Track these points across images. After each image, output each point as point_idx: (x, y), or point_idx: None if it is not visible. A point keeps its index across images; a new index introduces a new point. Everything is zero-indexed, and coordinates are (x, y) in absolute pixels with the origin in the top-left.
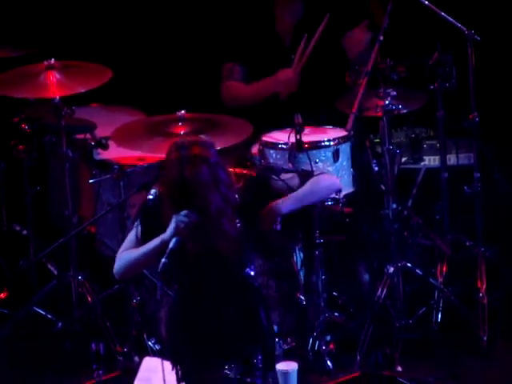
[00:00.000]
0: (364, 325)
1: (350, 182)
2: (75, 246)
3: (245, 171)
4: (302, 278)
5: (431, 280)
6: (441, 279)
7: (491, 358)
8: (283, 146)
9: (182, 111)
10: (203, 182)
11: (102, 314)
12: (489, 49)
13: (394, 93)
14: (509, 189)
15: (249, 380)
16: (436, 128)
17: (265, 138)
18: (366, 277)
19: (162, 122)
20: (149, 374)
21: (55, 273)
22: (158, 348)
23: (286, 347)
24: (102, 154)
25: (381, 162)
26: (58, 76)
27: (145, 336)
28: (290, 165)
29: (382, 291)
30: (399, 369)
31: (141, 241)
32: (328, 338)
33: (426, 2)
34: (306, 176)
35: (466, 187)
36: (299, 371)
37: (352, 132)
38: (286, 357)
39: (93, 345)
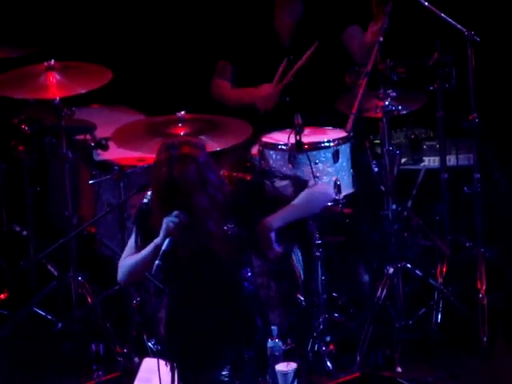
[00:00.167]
0: (364, 325)
1: (349, 182)
2: (75, 246)
3: (240, 175)
4: (301, 278)
5: (431, 281)
6: (441, 280)
7: (491, 358)
8: (283, 146)
9: (182, 112)
10: (190, 181)
11: (101, 314)
12: (488, 49)
13: (394, 94)
14: (509, 189)
15: None
16: (436, 129)
17: (264, 139)
18: (366, 277)
19: (162, 123)
20: (149, 375)
21: (55, 273)
22: (157, 349)
23: (286, 348)
24: (102, 155)
25: (381, 162)
26: (57, 77)
27: (145, 337)
28: (290, 165)
29: (381, 292)
30: (399, 369)
31: (139, 246)
32: (328, 338)
33: (426, 3)
34: (300, 186)
35: (465, 188)
36: (299, 372)
37: (352, 133)
38: (286, 357)
39: (93, 345)
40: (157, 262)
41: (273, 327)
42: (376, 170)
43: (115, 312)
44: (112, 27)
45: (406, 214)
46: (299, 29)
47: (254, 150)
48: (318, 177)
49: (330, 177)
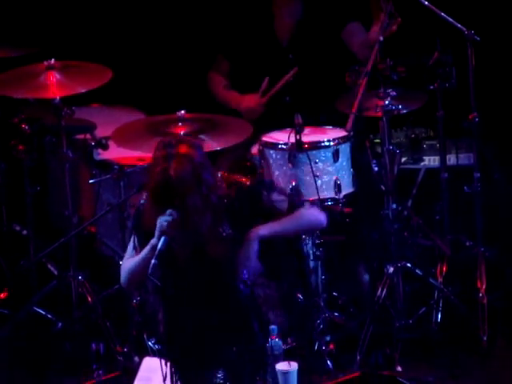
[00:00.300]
0: (364, 325)
1: (349, 182)
2: (75, 245)
3: (239, 179)
4: (301, 278)
5: (431, 280)
6: (441, 279)
7: (491, 357)
8: (283, 146)
9: (182, 111)
10: (185, 180)
11: (102, 314)
12: (488, 49)
13: (394, 93)
14: (509, 189)
15: None
16: (436, 128)
17: (265, 138)
18: (366, 277)
19: (162, 122)
20: (149, 374)
21: (55, 273)
22: (157, 348)
23: (286, 347)
24: (102, 154)
25: (381, 162)
26: (58, 76)
27: (145, 336)
28: (290, 165)
29: (381, 291)
30: (399, 369)
31: (138, 248)
32: (328, 338)
33: (426, 3)
34: (295, 205)
35: (465, 187)
36: (299, 371)
37: (352, 132)
38: (286, 357)
39: (93, 345)
40: (153, 261)
41: (273, 326)
42: (376, 169)
43: (115, 311)
44: (112, 27)
45: (406, 213)
46: (299, 29)
47: (254, 149)
48: (318, 176)
49: (330, 176)
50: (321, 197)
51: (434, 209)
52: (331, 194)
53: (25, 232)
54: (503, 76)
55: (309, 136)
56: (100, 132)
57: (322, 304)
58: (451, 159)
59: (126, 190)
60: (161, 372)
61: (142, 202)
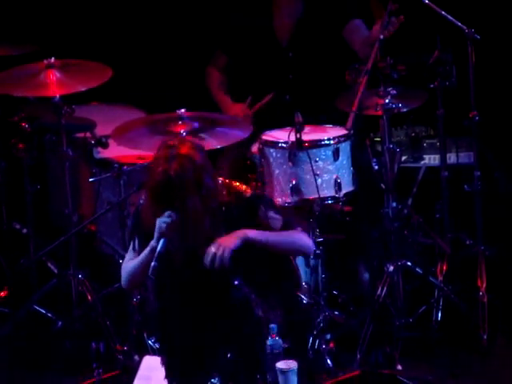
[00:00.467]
0: (364, 323)
1: (350, 180)
2: (75, 244)
3: (239, 188)
4: (302, 276)
5: (431, 278)
6: (441, 278)
7: (491, 356)
8: (283, 144)
9: (182, 110)
10: (186, 182)
11: (102, 312)
12: (489, 47)
13: (394, 91)
14: (509, 187)
15: None
16: (436, 127)
17: (265, 137)
18: (366, 275)
19: (162, 121)
20: (149, 373)
21: (55, 271)
22: (157, 347)
23: (286, 346)
24: (102, 153)
25: (381, 160)
26: (58, 74)
27: (145, 335)
28: (290, 163)
29: (382, 290)
30: (399, 367)
31: (138, 249)
32: (328, 336)
33: (426, 1)
34: (288, 226)
35: (466, 186)
36: (299, 370)
37: (352, 131)
38: (286, 355)
39: (93, 343)
40: (153, 263)
41: (272, 325)
42: (376, 167)
43: (115, 310)
44: (112, 25)
45: (406, 211)
46: (299, 27)
47: (254, 147)
48: (318, 174)
49: (331, 175)
50: (321, 195)
51: (435, 207)
52: (331, 193)
53: (25, 230)
54: (503, 74)
55: (309, 134)
56: (100, 130)
57: (322, 302)
58: (451, 158)
59: (126, 188)
60: (161, 371)
61: (141, 201)
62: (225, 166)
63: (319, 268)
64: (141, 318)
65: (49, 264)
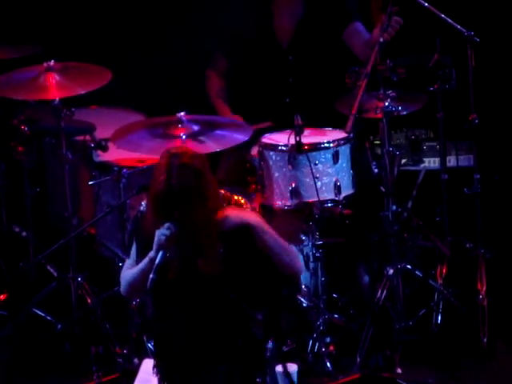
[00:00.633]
0: (364, 326)
1: (349, 183)
2: (75, 247)
3: (240, 202)
4: (301, 280)
5: (431, 282)
6: (441, 281)
7: (491, 359)
8: (283, 147)
9: (182, 113)
10: (187, 191)
11: (101, 315)
12: (488, 50)
13: (394, 94)
14: (509, 190)
15: None
16: (436, 130)
17: (264, 140)
18: (366, 278)
19: (162, 124)
20: (148, 376)
21: (55, 274)
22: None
23: (286, 349)
24: (102, 156)
25: (380, 163)
26: (57, 78)
27: (144, 338)
28: (290, 166)
29: (381, 293)
30: (399, 370)
31: (138, 257)
32: (328, 339)
33: (426, 4)
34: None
35: (465, 189)
36: (299, 373)
37: (352, 134)
38: (286, 359)
39: (92, 346)
40: (151, 276)
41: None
42: (376, 170)
43: (115, 313)
44: (112, 28)
45: (405, 214)
46: (299, 29)
47: (254, 150)
48: (318, 177)
49: (330, 178)
50: (321, 198)
51: (434, 210)
52: (331, 196)
53: (24, 233)
54: (503, 77)
55: (309, 137)
56: (99, 133)
57: (322, 306)
58: (451, 161)
59: (126, 191)
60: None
61: (141, 208)
62: (224, 168)
63: (319, 271)
64: (140, 321)
65: (48, 267)
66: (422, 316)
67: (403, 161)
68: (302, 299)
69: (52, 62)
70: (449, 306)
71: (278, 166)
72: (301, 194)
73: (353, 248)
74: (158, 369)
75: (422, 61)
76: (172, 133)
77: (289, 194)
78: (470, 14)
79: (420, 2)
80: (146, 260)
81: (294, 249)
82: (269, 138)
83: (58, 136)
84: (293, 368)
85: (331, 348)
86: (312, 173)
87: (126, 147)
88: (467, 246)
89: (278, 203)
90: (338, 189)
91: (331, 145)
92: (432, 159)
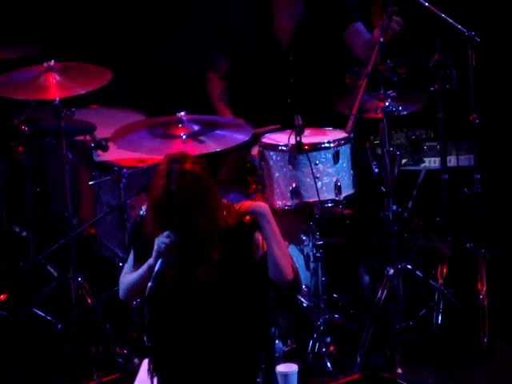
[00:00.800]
0: (364, 327)
1: (350, 183)
2: (75, 247)
3: (240, 210)
4: (302, 280)
5: (431, 282)
6: (441, 281)
7: (491, 359)
8: (283, 147)
9: (182, 113)
10: (187, 197)
11: (101, 315)
12: (489, 50)
13: (394, 94)
14: (509, 190)
15: None
16: (436, 129)
17: (265, 140)
18: (367, 278)
19: (162, 124)
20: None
21: (55, 274)
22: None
23: (286, 349)
24: (102, 156)
25: (381, 163)
26: (57, 78)
27: (144, 338)
28: (290, 166)
29: (382, 293)
30: (399, 370)
31: (136, 263)
32: (328, 339)
33: (426, 4)
34: None
35: (466, 189)
36: (299, 373)
37: (352, 134)
38: (286, 359)
39: (93, 347)
40: (149, 283)
41: (272, 329)
42: (376, 170)
43: (115, 313)
44: (112, 27)
45: (406, 214)
46: (299, 30)
47: (255, 150)
48: (318, 177)
49: (331, 178)
50: (321, 198)
51: (435, 210)
52: (331, 196)
53: (24, 233)
54: (504, 77)
55: (309, 137)
56: (100, 133)
57: (323, 306)
58: (451, 161)
59: (126, 191)
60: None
61: (140, 213)
62: (225, 169)
63: (319, 271)
64: (140, 320)
65: (48, 267)
66: (423, 316)
67: (403, 161)
68: (303, 299)
69: (52, 62)
70: (449, 306)
71: (279, 165)
72: (301, 193)
73: (353, 248)
74: (156, 376)
75: (422, 61)
76: (172, 133)
77: (289, 194)
78: (471, 14)
79: (421, 2)
80: (145, 267)
81: (290, 256)
82: (269, 138)
83: (58, 136)
84: (293, 368)
85: (331, 348)
86: (312, 173)
87: (126, 147)
88: (467, 245)
89: (279, 203)
90: (338, 189)
91: (331, 145)
92: (432, 159)
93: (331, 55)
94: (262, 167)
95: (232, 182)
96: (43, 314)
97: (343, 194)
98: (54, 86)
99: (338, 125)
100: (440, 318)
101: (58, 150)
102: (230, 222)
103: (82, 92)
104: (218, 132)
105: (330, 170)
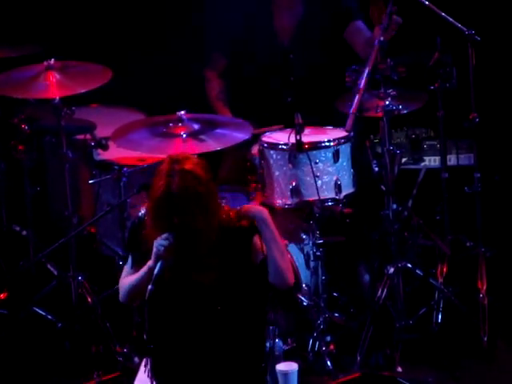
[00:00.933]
0: (364, 325)
1: (350, 182)
2: (75, 246)
3: (240, 213)
4: (302, 278)
5: (431, 280)
6: (441, 280)
7: (491, 358)
8: (283, 146)
9: (182, 111)
10: (187, 198)
11: (101, 314)
12: (489, 49)
13: (394, 93)
14: (509, 189)
15: None
16: (436, 128)
17: (265, 139)
18: (367, 277)
19: (162, 122)
20: None
21: (55, 273)
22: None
23: (286, 348)
24: (102, 155)
25: (381, 162)
26: (57, 76)
27: (145, 337)
28: (290, 165)
29: (382, 292)
30: (399, 369)
31: (135, 265)
32: (328, 338)
33: (427, 3)
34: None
35: (466, 187)
36: (299, 372)
37: (352, 132)
38: (286, 357)
39: (93, 345)
40: (149, 286)
41: (272, 327)
42: (376, 169)
43: (115, 312)
44: (112, 27)
45: (406, 213)
46: (299, 29)
47: (255, 149)
48: (318, 176)
49: (331, 176)
50: (321, 197)
51: (435, 209)
52: (331, 195)
53: (24, 232)
54: (504, 76)
55: (309, 136)
56: (100, 132)
57: (323, 304)
58: (452, 159)
59: (126, 190)
60: None
61: (139, 214)
62: (225, 167)
63: (319, 270)
64: (140, 319)
65: (48, 266)
66: (423, 315)
67: (403, 159)
68: (303, 298)
69: (52, 61)
70: (449, 305)
71: (279, 164)
72: (301, 192)
73: (353, 247)
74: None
75: (422, 59)
76: (172, 131)
77: (289, 193)
78: (471, 13)
79: (421, 1)
80: (144, 269)
81: (291, 257)
82: (269, 137)
83: (58, 135)
84: (293, 367)
85: (331, 347)
86: (312, 171)
87: (126, 146)
88: (467, 244)
89: (279, 202)
90: (338, 187)
91: (331, 143)
92: (432, 158)
93: (331, 54)
94: (262, 166)
95: (232, 180)
96: (43, 313)
97: (343, 193)
98: (54, 84)
99: (339, 124)
100: (440, 316)
101: (58, 149)
102: (229, 226)
103: (82, 91)
104: (218, 131)
105: (330, 169)
